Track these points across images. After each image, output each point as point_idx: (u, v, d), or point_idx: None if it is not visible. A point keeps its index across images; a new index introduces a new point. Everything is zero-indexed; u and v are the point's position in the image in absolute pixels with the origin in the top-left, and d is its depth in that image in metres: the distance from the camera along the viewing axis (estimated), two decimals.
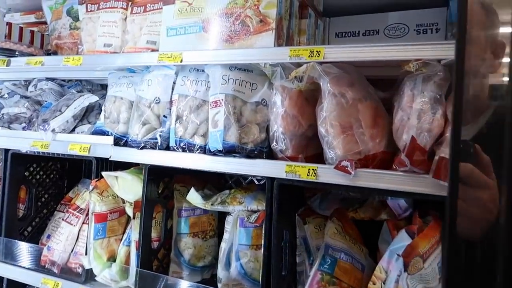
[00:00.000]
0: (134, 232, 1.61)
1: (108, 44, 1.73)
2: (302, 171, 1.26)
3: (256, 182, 1.83)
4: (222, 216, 1.79)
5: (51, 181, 2.11)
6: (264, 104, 1.41)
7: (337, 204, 1.52)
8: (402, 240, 1.16)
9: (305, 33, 1.63)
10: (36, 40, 2.19)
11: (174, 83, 1.54)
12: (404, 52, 1.16)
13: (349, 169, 1.17)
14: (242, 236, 1.53)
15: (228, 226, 1.58)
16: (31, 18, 2.31)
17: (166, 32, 1.55)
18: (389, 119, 1.30)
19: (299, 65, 1.33)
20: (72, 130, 1.80)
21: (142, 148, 1.52)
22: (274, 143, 1.35)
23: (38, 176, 2.03)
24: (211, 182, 1.87)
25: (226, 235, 1.58)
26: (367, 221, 1.47)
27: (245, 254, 1.48)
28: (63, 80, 2.18)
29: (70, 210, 1.79)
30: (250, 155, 1.35)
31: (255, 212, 1.57)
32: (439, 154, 1.08)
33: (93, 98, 1.76)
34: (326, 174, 1.23)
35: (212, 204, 1.61)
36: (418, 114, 1.12)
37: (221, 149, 1.34)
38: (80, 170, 2.14)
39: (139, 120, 1.55)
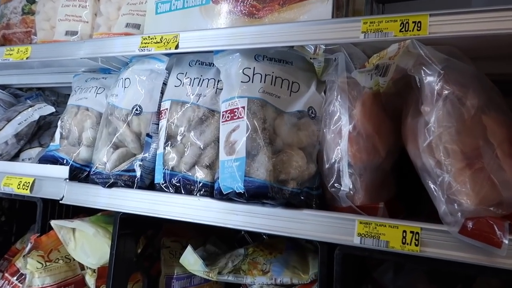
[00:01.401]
0: None
1: (72, 32, 1.20)
2: (391, 235, 0.69)
3: None
4: (233, 286, 1.21)
5: None
6: (313, 115, 0.85)
7: (423, 280, 0.94)
8: None
9: (361, 15, 1.09)
10: None
11: (164, 83, 1.00)
12: None
13: (497, 236, 0.60)
14: None
15: None
16: None
17: (155, 8, 1.02)
18: None
19: (365, 55, 0.80)
20: (16, 156, 1.23)
21: (110, 186, 0.95)
22: (333, 181, 0.78)
23: None
24: (216, 232, 1.29)
25: None
26: None
27: None
28: (20, 89, 1.64)
29: (6, 274, 1.19)
30: (291, 201, 0.78)
31: (288, 287, 0.99)
32: None
33: (46, 110, 1.21)
34: (440, 243, 0.67)
35: (219, 273, 1.04)
36: None
37: (242, 191, 0.77)
38: (33, 210, 1.55)
39: (108, 141, 0.99)
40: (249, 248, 1.12)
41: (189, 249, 1.06)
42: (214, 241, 1.26)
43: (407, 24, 0.72)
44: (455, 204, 0.66)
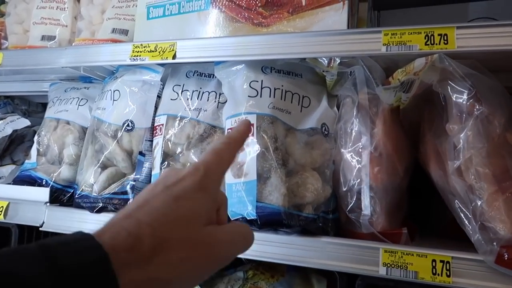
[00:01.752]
0: None
1: (49, 37, 1.08)
2: (420, 265, 0.64)
3: None
4: None
5: None
6: (326, 132, 0.79)
7: None
8: None
9: (364, 24, 1.05)
10: None
11: (159, 96, 0.91)
12: None
13: None
14: None
15: None
16: None
17: (147, 12, 0.93)
18: None
19: (381, 68, 0.75)
20: None
21: (99, 211, 0.86)
22: (353, 205, 0.72)
23: None
24: None
25: None
26: None
27: None
28: None
29: None
30: (308, 228, 0.72)
31: None
32: None
33: (20, 123, 1.09)
34: (473, 273, 0.62)
35: None
36: None
37: (253, 217, 0.70)
38: (7, 237, 1.40)
39: (95, 160, 0.89)
40: (248, 271, 1.05)
41: None
42: None
43: (432, 37, 0.67)
44: (490, 232, 0.61)
